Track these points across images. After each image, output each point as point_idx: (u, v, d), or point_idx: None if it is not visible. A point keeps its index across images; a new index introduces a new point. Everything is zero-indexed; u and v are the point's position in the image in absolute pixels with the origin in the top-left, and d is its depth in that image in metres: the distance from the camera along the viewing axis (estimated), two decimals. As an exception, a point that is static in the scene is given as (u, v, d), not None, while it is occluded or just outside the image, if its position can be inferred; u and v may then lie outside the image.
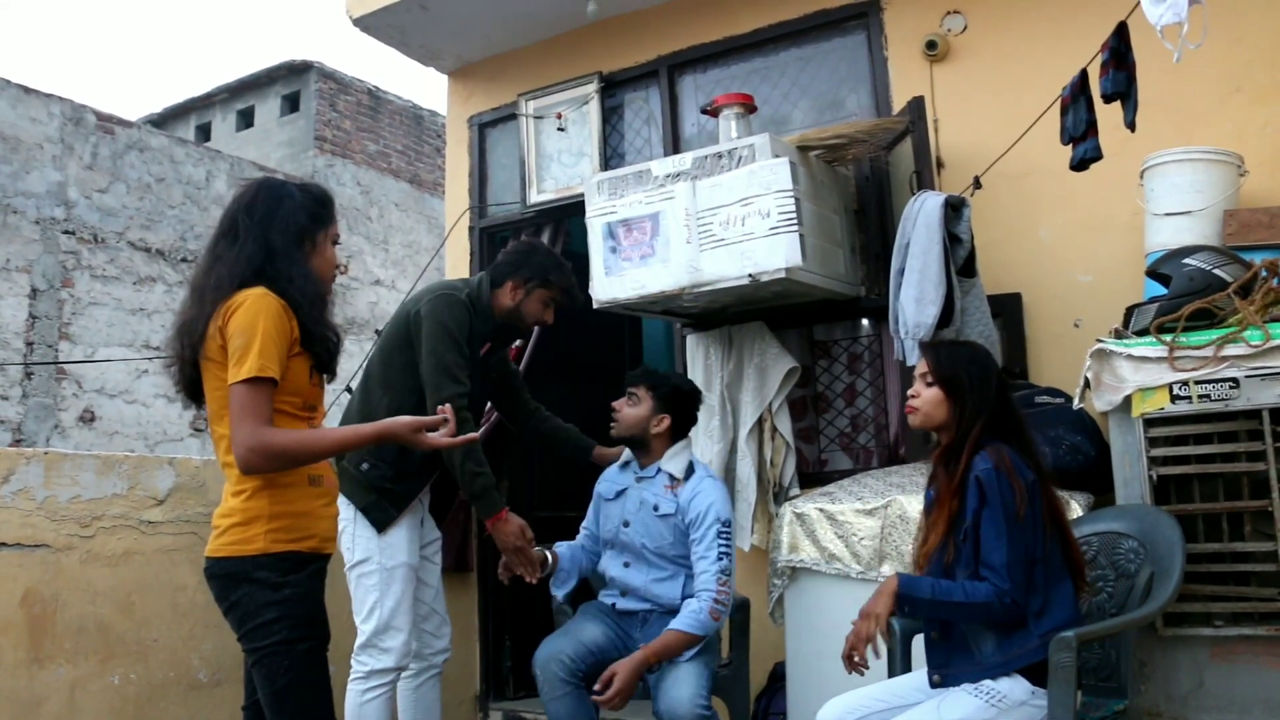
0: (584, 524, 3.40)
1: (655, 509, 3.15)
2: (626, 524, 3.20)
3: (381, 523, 3.14)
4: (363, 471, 3.14)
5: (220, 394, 2.26)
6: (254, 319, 2.19)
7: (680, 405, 3.25)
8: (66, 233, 9.06)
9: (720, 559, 3.00)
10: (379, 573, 3.13)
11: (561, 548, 3.31)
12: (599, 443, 3.60)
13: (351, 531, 3.16)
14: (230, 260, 2.29)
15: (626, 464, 3.33)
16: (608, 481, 3.35)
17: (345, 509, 3.10)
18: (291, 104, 12.01)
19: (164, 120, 12.74)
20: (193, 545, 3.56)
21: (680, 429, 3.26)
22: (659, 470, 3.21)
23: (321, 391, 2.40)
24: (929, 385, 2.52)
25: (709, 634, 2.97)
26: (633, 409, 3.22)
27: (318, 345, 2.32)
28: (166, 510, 3.52)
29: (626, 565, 3.21)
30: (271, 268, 2.28)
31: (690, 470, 3.20)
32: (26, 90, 9.00)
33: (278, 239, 2.30)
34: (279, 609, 2.22)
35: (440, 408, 2.43)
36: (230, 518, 2.25)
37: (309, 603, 2.28)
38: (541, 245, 3.46)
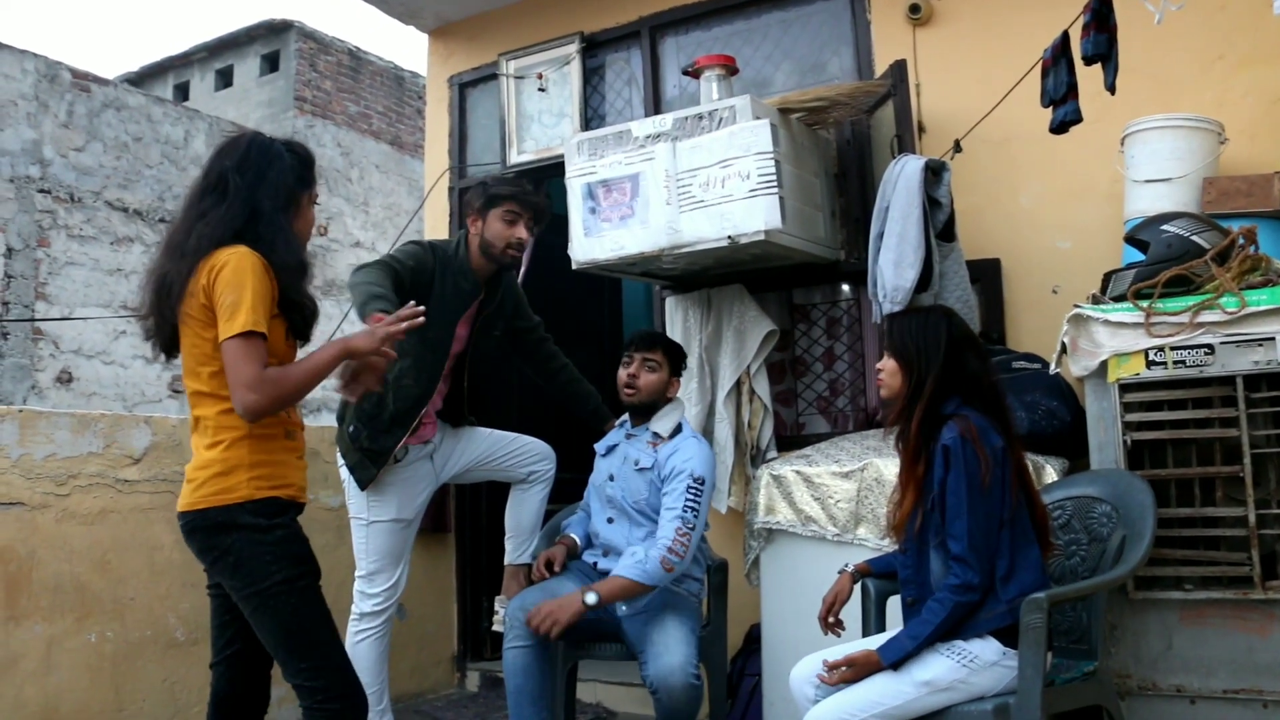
0: (588, 488, 3.44)
1: (636, 463, 3.20)
2: (612, 478, 3.26)
3: (363, 480, 3.29)
4: (349, 433, 3.28)
5: (197, 350, 2.25)
6: (243, 277, 2.18)
7: (681, 366, 3.37)
8: (42, 191, 8.94)
9: (686, 511, 2.99)
10: (366, 525, 3.33)
11: (575, 529, 3.35)
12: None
13: (347, 489, 3.41)
14: (215, 219, 2.26)
15: (623, 423, 3.38)
16: (605, 440, 3.41)
17: (342, 469, 3.38)
18: (271, 64, 11.86)
19: (141, 79, 12.57)
20: (169, 504, 3.54)
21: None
22: (646, 428, 3.26)
23: (295, 355, 2.40)
24: (888, 357, 2.55)
25: (657, 583, 2.94)
26: (654, 375, 3.26)
27: (294, 312, 2.32)
28: (143, 469, 3.52)
29: (610, 521, 3.24)
30: (253, 231, 2.26)
31: (678, 430, 3.24)
32: (-1, 45, 8.86)
33: (266, 202, 2.29)
34: (273, 550, 2.24)
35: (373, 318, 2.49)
36: (208, 469, 2.25)
37: (299, 541, 2.31)
38: (490, 177, 3.49)
